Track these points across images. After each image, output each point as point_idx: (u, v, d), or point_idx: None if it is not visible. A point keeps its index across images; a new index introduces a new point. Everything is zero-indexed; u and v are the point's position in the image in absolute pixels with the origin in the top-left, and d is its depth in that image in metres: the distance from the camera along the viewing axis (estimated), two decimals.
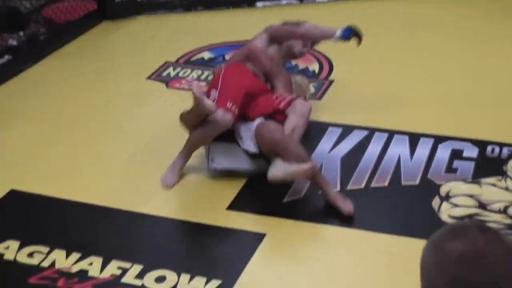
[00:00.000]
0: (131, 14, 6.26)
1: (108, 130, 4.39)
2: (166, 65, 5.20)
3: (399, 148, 3.98)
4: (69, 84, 5.06)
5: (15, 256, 3.30)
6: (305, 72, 4.97)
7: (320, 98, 4.64)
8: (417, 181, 3.70)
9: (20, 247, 3.35)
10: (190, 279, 3.10)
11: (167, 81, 4.98)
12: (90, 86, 4.98)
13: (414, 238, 3.23)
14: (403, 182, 3.70)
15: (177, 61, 5.29)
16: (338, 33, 4.17)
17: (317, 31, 4.33)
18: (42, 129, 4.46)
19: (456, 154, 3.89)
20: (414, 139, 4.05)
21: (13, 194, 3.78)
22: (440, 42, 5.39)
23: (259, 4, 6.58)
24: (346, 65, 5.06)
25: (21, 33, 6.06)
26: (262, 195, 3.69)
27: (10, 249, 3.34)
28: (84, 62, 5.45)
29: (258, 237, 3.34)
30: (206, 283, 3.07)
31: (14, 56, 5.57)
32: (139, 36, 5.91)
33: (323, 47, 5.32)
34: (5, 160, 4.14)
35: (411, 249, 3.18)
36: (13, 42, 5.96)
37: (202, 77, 4.98)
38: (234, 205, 3.59)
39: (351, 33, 4.18)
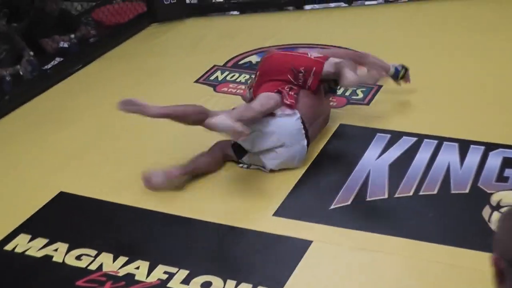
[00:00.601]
0: (180, 16, 6.30)
1: (156, 134, 4.40)
2: (214, 69, 5.21)
3: (448, 156, 3.92)
4: (118, 86, 5.11)
5: (64, 258, 3.34)
6: None
7: (368, 103, 4.60)
8: (467, 190, 3.63)
9: (69, 250, 3.39)
10: (236, 286, 3.09)
11: (215, 85, 4.99)
12: (138, 89, 5.01)
13: (464, 248, 3.18)
14: (453, 190, 3.64)
15: (225, 64, 5.30)
16: (392, 69, 4.44)
17: (378, 61, 4.46)
18: (92, 130, 4.52)
19: (508, 162, 3.81)
20: (464, 146, 3.98)
21: (62, 196, 3.83)
22: (494, 44, 5.29)
23: (307, 7, 6.57)
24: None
25: (72, 36, 6.15)
26: (308, 201, 3.67)
27: (59, 251, 3.39)
28: (133, 64, 5.50)
29: (305, 244, 3.32)
30: None
31: (65, 58, 5.66)
32: (188, 38, 5.95)
33: (372, 51, 5.29)
34: (54, 161, 4.20)
35: (460, 260, 3.14)
36: (64, 44, 6.05)
37: (250, 81, 4.97)
38: (280, 212, 3.58)
39: (400, 73, 4.46)
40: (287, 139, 3.88)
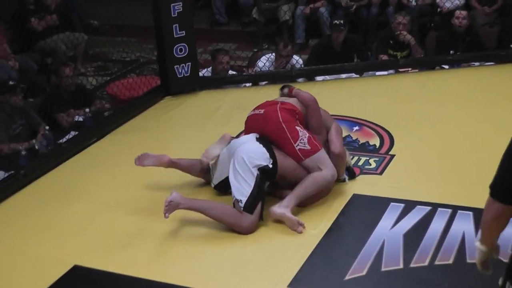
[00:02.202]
0: (194, 89, 6.38)
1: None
2: None
3: (463, 225, 3.90)
4: (131, 160, 5.11)
5: None
6: (365, 146, 4.96)
7: (381, 173, 4.61)
8: None
9: None
10: None
11: None
12: None
13: None
14: (468, 260, 3.61)
15: (238, 135, 5.33)
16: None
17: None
18: (105, 204, 4.52)
19: None
20: (478, 215, 3.90)
21: (76, 270, 3.82)
22: (507, 115, 5.31)
23: (318, 78, 6.64)
24: (407, 139, 5.03)
25: (87, 110, 6.23)
26: (323, 272, 3.64)
27: None
28: (147, 137, 5.55)
29: None
30: None
31: (80, 132, 5.72)
32: (201, 111, 6.01)
33: (383, 121, 5.33)
34: (68, 235, 4.20)
35: None
36: (79, 118, 6.14)
37: None
38: (295, 283, 3.55)
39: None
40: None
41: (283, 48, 6.71)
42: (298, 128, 4.23)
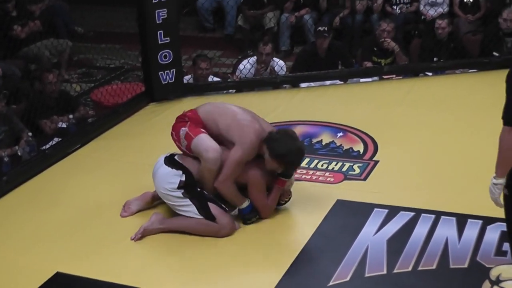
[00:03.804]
0: (178, 95, 6.37)
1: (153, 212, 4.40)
2: None
3: (446, 230, 3.92)
4: (116, 165, 5.12)
5: None
6: (349, 152, 4.97)
7: (365, 178, 4.61)
8: (466, 264, 3.62)
9: None
10: None
11: None
12: (136, 168, 5.02)
13: None
14: (452, 265, 3.63)
15: None
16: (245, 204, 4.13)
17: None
18: (88, 210, 4.50)
19: (506, 236, 3.79)
20: (461, 220, 3.98)
21: (59, 277, 3.80)
22: (489, 122, 5.33)
23: (303, 84, 6.65)
24: (391, 145, 5.05)
25: (71, 116, 6.21)
26: (307, 277, 3.64)
27: None
28: (131, 144, 5.53)
29: None
30: None
31: (63, 138, 5.69)
32: None
33: (367, 127, 5.35)
34: (51, 241, 4.17)
35: None
36: (62, 124, 6.11)
37: None
38: None
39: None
40: None
41: (263, 47, 6.75)
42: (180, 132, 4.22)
